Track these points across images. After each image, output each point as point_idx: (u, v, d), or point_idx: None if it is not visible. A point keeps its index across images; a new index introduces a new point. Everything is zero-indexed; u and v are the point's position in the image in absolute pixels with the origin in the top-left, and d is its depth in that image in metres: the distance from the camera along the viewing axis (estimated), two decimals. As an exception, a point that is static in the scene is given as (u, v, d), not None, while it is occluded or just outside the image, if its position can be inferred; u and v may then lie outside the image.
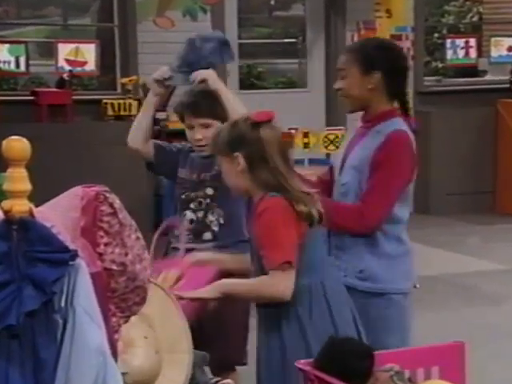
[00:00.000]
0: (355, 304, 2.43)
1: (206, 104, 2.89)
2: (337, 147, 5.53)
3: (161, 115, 6.98)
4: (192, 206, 2.91)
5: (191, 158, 2.98)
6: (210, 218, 2.88)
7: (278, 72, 9.35)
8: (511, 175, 7.63)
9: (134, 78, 6.90)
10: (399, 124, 2.63)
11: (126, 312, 1.54)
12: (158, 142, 3.07)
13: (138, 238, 1.56)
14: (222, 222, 2.88)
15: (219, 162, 2.41)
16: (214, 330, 2.76)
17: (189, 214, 2.89)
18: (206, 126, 2.88)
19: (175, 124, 7.01)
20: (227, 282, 2.33)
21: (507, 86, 7.84)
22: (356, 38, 7.46)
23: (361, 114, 2.72)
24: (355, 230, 2.57)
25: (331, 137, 5.58)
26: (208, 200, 2.89)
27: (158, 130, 6.90)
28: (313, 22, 7.85)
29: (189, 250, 2.64)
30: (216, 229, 2.88)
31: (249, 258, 2.38)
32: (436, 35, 10.31)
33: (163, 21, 7.11)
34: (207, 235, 2.88)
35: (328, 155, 5.71)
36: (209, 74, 2.89)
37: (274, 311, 2.29)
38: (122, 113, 6.81)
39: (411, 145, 2.62)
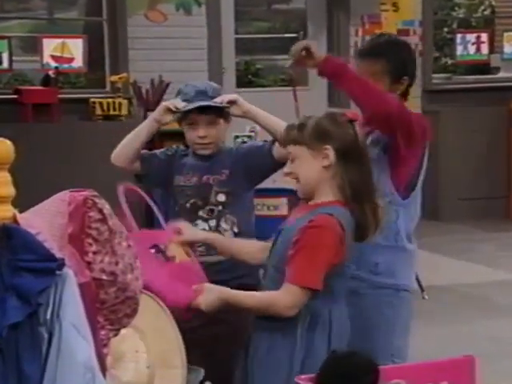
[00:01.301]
0: (366, 302, 2.48)
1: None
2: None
3: (153, 115, 7.00)
4: (201, 214, 2.87)
5: (186, 161, 2.96)
6: (224, 226, 2.85)
7: (277, 69, 9.36)
8: (526, 179, 7.65)
9: (124, 75, 6.91)
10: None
11: (116, 325, 1.54)
12: (144, 151, 3.04)
13: (129, 246, 1.56)
14: (236, 230, 2.86)
15: (295, 153, 2.36)
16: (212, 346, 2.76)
17: (200, 224, 2.85)
18: (212, 123, 2.89)
19: (168, 124, 7.02)
20: (234, 293, 2.32)
21: (521, 83, 7.86)
22: (360, 33, 7.48)
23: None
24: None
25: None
26: (220, 207, 2.86)
27: (150, 131, 6.92)
28: (314, 16, 7.87)
29: (201, 264, 2.60)
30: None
31: (245, 245, 2.46)
32: (446, 30, 10.33)
33: (155, 14, 7.12)
34: None
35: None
36: (235, 96, 2.92)
37: (272, 324, 2.30)
38: (111, 112, 6.81)
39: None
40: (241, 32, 8.78)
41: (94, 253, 1.52)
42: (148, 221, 6.92)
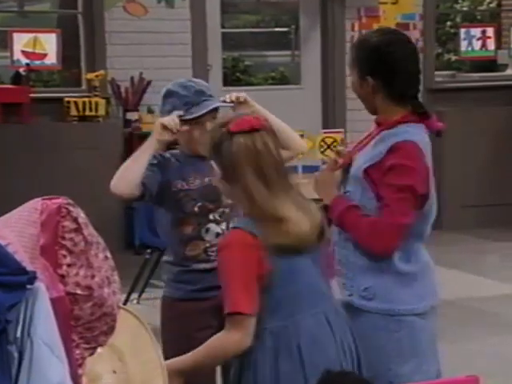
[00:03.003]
0: (362, 327, 2.48)
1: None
2: (335, 152, 5.54)
3: (133, 116, 7.00)
4: (211, 217, 2.93)
5: (183, 165, 2.98)
6: None
7: (267, 66, 9.39)
8: (535, 184, 7.67)
9: (101, 72, 6.91)
10: (409, 133, 2.65)
11: (92, 343, 1.54)
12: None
13: (106, 258, 1.57)
14: None
15: None
16: None
17: (213, 227, 2.92)
18: (214, 118, 2.95)
19: (149, 126, 7.02)
20: (181, 361, 2.37)
21: (530, 82, 7.89)
22: (357, 27, 7.51)
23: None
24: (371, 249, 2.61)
25: (328, 140, 5.60)
26: (227, 209, 2.94)
27: (130, 133, 6.91)
28: (307, 9, 7.89)
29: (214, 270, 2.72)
30: None
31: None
32: (449, 24, 10.39)
33: (135, 7, 7.12)
34: None
35: (325, 162, 5.73)
36: (244, 95, 2.98)
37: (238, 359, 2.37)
38: (87, 113, 6.82)
39: (420, 157, 2.65)
40: (228, 26, 8.81)
41: (69, 265, 1.52)
42: (128, 227, 6.86)
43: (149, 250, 5.45)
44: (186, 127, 2.91)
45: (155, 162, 2.96)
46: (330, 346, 2.39)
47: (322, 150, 5.57)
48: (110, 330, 1.57)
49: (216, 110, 2.96)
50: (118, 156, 6.87)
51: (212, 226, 2.92)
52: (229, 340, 2.30)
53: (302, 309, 2.37)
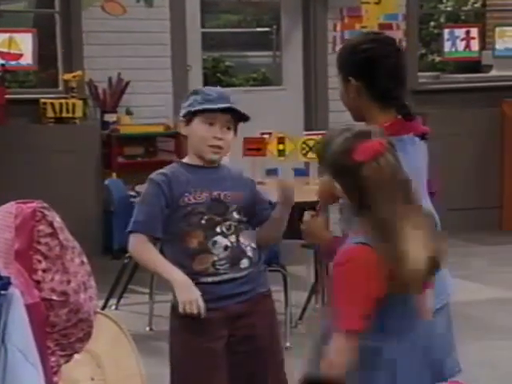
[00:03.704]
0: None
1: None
2: (317, 155, 5.54)
3: (111, 117, 6.98)
4: (219, 230, 2.92)
5: (188, 178, 2.96)
6: (244, 241, 2.95)
7: (248, 66, 9.40)
8: (521, 187, 7.71)
9: (78, 73, 6.89)
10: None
11: (68, 350, 1.54)
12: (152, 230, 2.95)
13: (82, 263, 1.56)
14: (253, 245, 2.98)
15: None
16: None
17: (221, 240, 2.92)
18: (228, 129, 2.97)
19: (127, 128, 7.02)
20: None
21: (515, 83, 7.93)
22: (339, 28, 7.53)
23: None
24: None
25: (311, 143, 5.60)
26: (236, 223, 2.95)
27: (108, 135, 6.90)
28: (289, 9, 7.90)
29: (226, 282, 2.86)
30: (250, 254, 2.95)
31: None
32: (432, 24, 10.44)
33: (113, 6, 7.11)
34: (245, 262, 2.94)
35: (307, 164, 5.74)
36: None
37: None
38: (64, 114, 6.79)
39: None
40: (208, 26, 8.80)
41: (44, 270, 1.51)
42: (106, 232, 6.83)
43: (127, 255, 5.42)
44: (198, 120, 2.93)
45: (158, 189, 2.92)
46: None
47: (303, 152, 5.57)
48: (87, 336, 1.56)
49: (233, 115, 2.94)
50: (95, 158, 6.86)
51: (219, 238, 2.91)
52: (331, 354, 2.29)
53: (402, 340, 2.37)
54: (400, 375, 2.34)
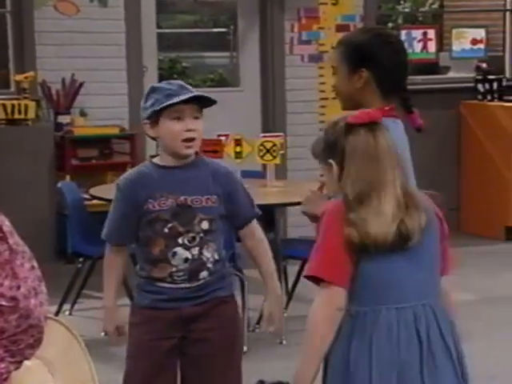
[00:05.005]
0: None
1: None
2: (274, 157, 5.57)
3: (64, 119, 6.94)
4: (180, 241, 2.89)
5: (154, 180, 2.92)
6: (206, 254, 2.92)
7: (205, 67, 9.40)
8: (477, 190, 7.80)
9: (30, 74, 6.83)
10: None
11: (18, 356, 1.53)
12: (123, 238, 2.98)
13: (32, 268, 1.55)
14: (216, 257, 2.95)
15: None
16: None
17: (181, 252, 2.89)
18: (197, 118, 2.92)
19: (81, 129, 6.98)
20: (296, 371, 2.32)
21: (472, 85, 7.98)
22: (296, 29, 7.56)
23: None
24: None
25: (268, 145, 5.62)
26: (202, 234, 2.91)
27: (61, 137, 6.85)
28: (245, 9, 7.92)
29: (182, 289, 2.89)
30: (211, 266, 2.93)
31: None
32: (390, 25, 10.52)
33: (66, 6, 7.07)
34: (203, 274, 2.93)
35: (264, 167, 5.76)
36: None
37: None
38: (16, 116, 6.73)
39: None
40: (164, 26, 8.78)
41: (-7, 275, 1.50)
42: (59, 236, 6.77)
43: (81, 259, 5.39)
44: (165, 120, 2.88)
45: (123, 195, 2.92)
46: (406, 347, 2.32)
47: (261, 154, 5.59)
48: (37, 342, 1.56)
49: (198, 103, 2.90)
50: (48, 161, 6.80)
51: (180, 250, 2.89)
52: (312, 308, 2.29)
53: (387, 300, 2.33)
54: (374, 348, 2.29)
